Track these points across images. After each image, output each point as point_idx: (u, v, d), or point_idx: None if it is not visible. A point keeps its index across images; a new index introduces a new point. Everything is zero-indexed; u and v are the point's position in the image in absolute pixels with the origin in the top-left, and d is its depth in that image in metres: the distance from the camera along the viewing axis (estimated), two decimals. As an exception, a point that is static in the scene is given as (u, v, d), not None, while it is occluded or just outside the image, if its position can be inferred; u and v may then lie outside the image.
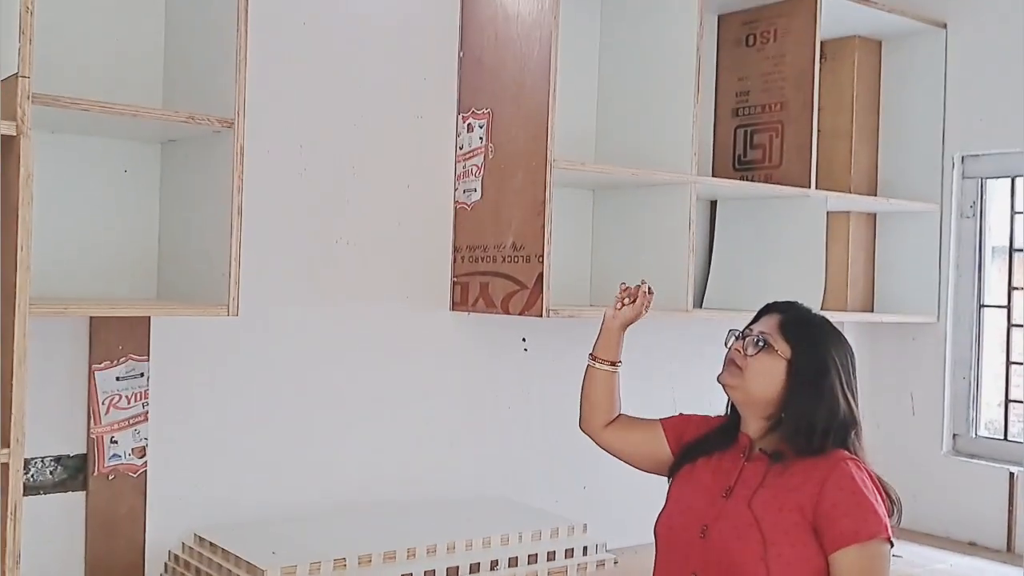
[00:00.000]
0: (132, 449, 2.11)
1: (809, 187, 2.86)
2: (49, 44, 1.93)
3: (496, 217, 2.53)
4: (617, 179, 2.68)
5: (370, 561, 2.01)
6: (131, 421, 2.11)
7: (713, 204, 3.12)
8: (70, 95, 1.73)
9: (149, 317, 2.11)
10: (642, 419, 2.04)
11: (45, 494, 2.03)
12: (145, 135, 2.04)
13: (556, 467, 2.78)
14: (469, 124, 2.63)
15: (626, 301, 2.02)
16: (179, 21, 2.10)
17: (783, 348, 1.82)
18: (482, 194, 2.58)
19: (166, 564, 2.16)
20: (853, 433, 1.82)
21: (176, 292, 2.07)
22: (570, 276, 2.86)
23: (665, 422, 2.02)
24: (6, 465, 1.40)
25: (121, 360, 2.09)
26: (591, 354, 2.05)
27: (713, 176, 3.04)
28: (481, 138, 2.59)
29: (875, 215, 3.35)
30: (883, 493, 1.77)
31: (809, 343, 1.84)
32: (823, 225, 2.90)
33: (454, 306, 2.64)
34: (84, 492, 2.07)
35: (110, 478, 2.09)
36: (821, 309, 2.92)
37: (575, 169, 2.48)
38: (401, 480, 2.52)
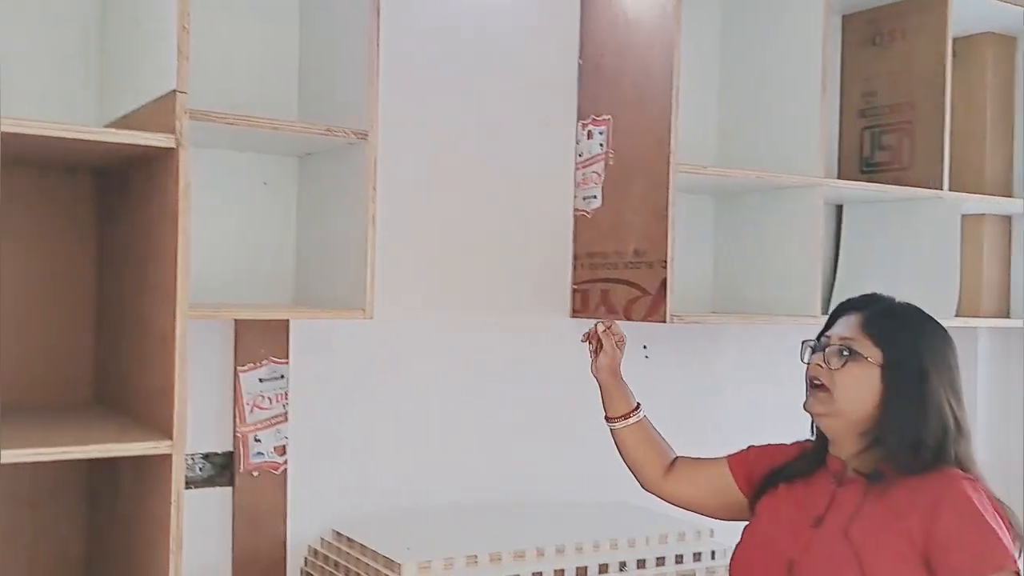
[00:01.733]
0: (274, 447, 2.22)
1: (942, 189, 2.79)
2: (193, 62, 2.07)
3: (617, 224, 2.54)
4: (741, 183, 2.66)
5: (500, 558, 2.05)
6: (272, 421, 2.21)
7: (838, 208, 3.07)
8: (216, 111, 1.84)
9: (288, 322, 2.22)
10: (705, 459, 1.87)
11: (196, 488, 2.15)
12: (284, 149, 2.15)
13: (680, 473, 2.77)
14: (589, 131, 2.66)
15: (589, 349, 1.91)
16: (312, 37, 2.19)
17: (872, 353, 1.59)
18: (602, 201, 2.60)
19: (306, 558, 2.25)
20: (963, 444, 1.59)
21: (312, 299, 2.16)
22: (691, 285, 2.84)
23: (732, 459, 1.83)
24: (169, 456, 1.50)
25: (263, 363, 2.19)
26: (606, 417, 1.93)
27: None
28: (601, 144, 2.61)
29: (1010, 217, 3.22)
30: (1006, 520, 1.53)
31: (901, 340, 1.60)
32: (957, 228, 2.82)
33: (574, 313, 2.66)
34: (231, 488, 2.18)
35: (254, 475, 2.19)
36: (956, 316, 2.84)
37: (698, 173, 2.48)
38: (525, 483, 2.56)
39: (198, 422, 2.13)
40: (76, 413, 1.78)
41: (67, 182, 1.90)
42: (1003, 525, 1.51)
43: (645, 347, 2.78)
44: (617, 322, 1.98)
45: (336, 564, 2.15)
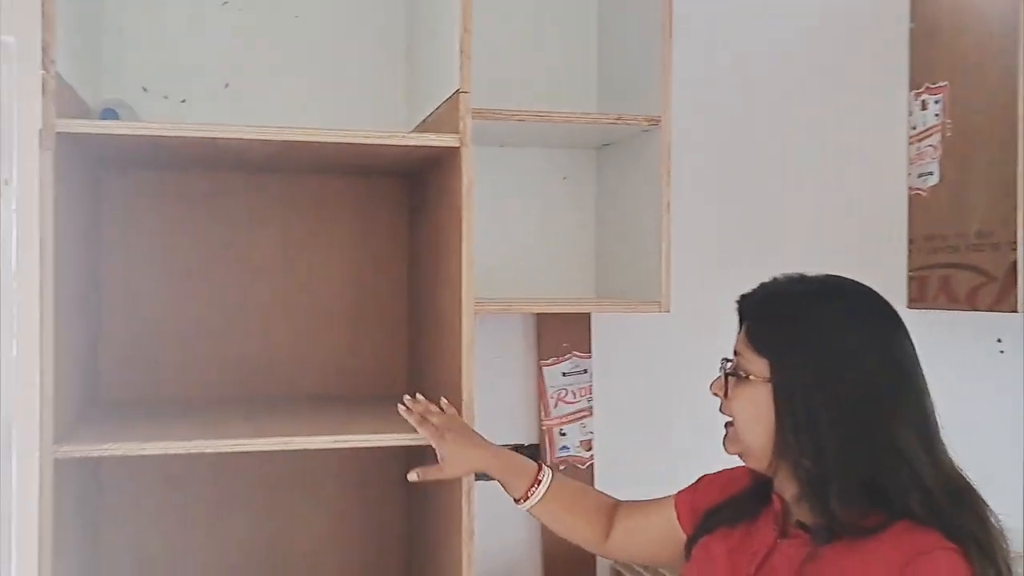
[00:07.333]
0: (579, 442, 2.22)
1: None
2: (495, 64, 2.12)
3: (957, 202, 2.27)
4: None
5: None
6: (577, 415, 2.21)
7: None
8: (510, 108, 1.87)
9: (589, 316, 2.21)
10: (651, 503, 1.49)
11: (505, 479, 2.21)
12: (581, 142, 2.14)
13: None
14: (923, 101, 2.39)
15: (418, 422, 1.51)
16: (610, 28, 2.17)
17: (757, 367, 1.20)
18: (940, 177, 2.34)
19: (614, 556, 2.23)
20: (927, 488, 1.10)
21: (613, 291, 2.14)
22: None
23: (680, 498, 1.45)
24: (459, 445, 1.54)
25: (566, 357, 2.20)
26: (515, 501, 1.52)
27: None
28: (937, 115, 2.34)
29: None
30: None
31: (791, 340, 1.17)
32: None
33: (911, 303, 2.41)
34: (539, 480, 2.22)
35: (560, 469, 2.21)
36: None
37: (1055, 139, 2.14)
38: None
39: (507, 414, 2.20)
40: (386, 404, 1.89)
41: (382, 187, 2.04)
42: None
43: (1000, 340, 2.46)
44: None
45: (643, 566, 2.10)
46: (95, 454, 1.43)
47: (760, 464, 1.23)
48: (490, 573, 2.17)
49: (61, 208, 1.45)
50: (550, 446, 2.20)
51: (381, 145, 1.58)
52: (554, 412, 2.20)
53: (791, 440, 1.16)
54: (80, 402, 1.67)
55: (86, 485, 1.76)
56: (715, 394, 1.27)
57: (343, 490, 2.05)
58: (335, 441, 1.51)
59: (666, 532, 1.43)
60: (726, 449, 1.27)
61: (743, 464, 1.32)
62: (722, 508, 1.33)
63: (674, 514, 1.43)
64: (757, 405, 1.19)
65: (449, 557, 1.61)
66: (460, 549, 1.54)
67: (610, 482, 2.23)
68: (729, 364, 1.25)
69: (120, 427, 1.58)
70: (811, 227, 2.38)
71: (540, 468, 1.49)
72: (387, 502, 2.06)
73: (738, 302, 1.29)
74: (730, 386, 1.23)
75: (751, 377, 1.20)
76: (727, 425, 1.27)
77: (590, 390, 2.21)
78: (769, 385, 1.18)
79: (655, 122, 1.90)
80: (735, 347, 1.26)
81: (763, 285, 1.27)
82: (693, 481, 1.46)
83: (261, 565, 2.00)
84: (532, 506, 1.48)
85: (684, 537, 1.39)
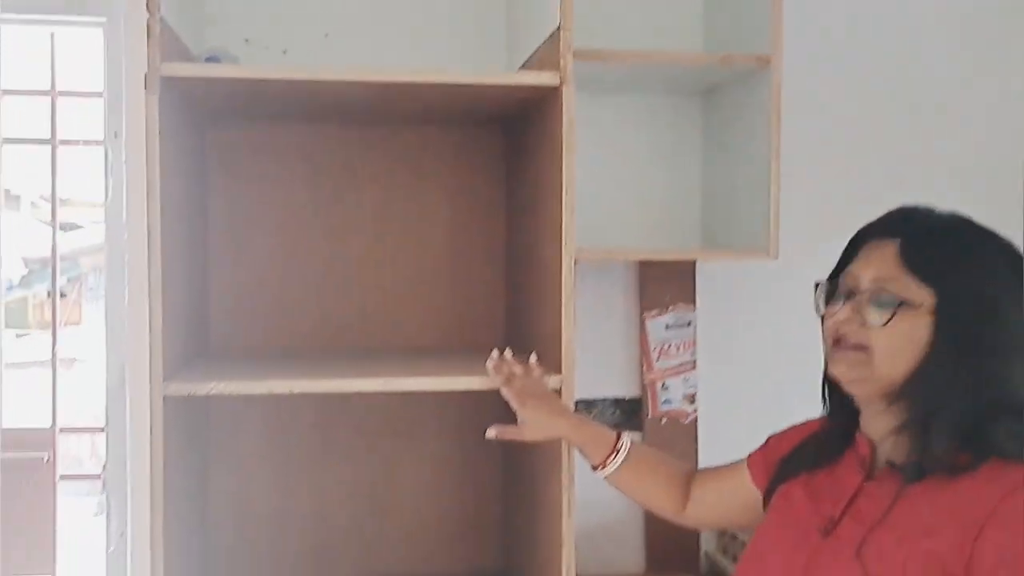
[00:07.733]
0: (683, 396, 2.17)
1: None
2: (595, 10, 2.07)
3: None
4: None
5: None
6: (680, 368, 2.16)
7: None
8: (611, 49, 1.82)
9: (694, 266, 2.15)
10: (724, 469, 1.46)
11: (607, 433, 2.18)
12: (687, 86, 2.07)
13: None
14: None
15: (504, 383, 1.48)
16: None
17: (920, 295, 1.10)
18: (1073, 120, 2.18)
19: (717, 511, 2.18)
20: None
21: (719, 241, 2.07)
22: None
23: (752, 460, 1.42)
24: (559, 391, 1.52)
25: (670, 309, 2.15)
26: (592, 467, 1.50)
27: None
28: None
29: None
30: None
31: (960, 270, 1.10)
32: None
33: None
34: (640, 434, 2.18)
35: (662, 422, 2.17)
36: None
37: None
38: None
39: (608, 367, 2.17)
40: (484, 354, 1.88)
41: (480, 136, 2.01)
42: None
43: None
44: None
45: (747, 519, 2.05)
46: (202, 392, 1.45)
47: (875, 392, 1.15)
48: (589, 524, 2.15)
49: (167, 158, 1.47)
50: (652, 400, 2.16)
51: (481, 85, 1.56)
52: (656, 365, 2.15)
53: (936, 375, 1.10)
54: (189, 349, 1.70)
55: (195, 426, 1.80)
56: (842, 321, 1.16)
57: (442, 435, 2.05)
58: (435, 383, 1.51)
59: (742, 496, 1.41)
60: (838, 372, 1.17)
61: (812, 419, 1.33)
62: (801, 450, 1.29)
63: (748, 475, 1.41)
64: (912, 336, 1.11)
65: (548, 503, 1.59)
66: (560, 494, 1.52)
67: (713, 437, 2.19)
68: (882, 293, 1.12)
69: (226, 370, 1.60)
70: (932, 177, 2.26)
71: (619, 438, 1.49)
72: (485, 447, 2.05)
73: (867, 228, 1.20)
74: (886, 314, 1.12)
75: (918, 305, 1.11)
76: (847, 349, 1.16)
77: (694, 343, 2.16)
78: (931, 317, 1.10)
79: (765, 61, 1.82)
80: (874, 274, 1.14)
81: (900, 212, 1.19)
82: (762, 443, 1.43)
83: (363, 508, 2.03)
84: (609, 474, 1.48)
85: (759, 497, 1.36)
